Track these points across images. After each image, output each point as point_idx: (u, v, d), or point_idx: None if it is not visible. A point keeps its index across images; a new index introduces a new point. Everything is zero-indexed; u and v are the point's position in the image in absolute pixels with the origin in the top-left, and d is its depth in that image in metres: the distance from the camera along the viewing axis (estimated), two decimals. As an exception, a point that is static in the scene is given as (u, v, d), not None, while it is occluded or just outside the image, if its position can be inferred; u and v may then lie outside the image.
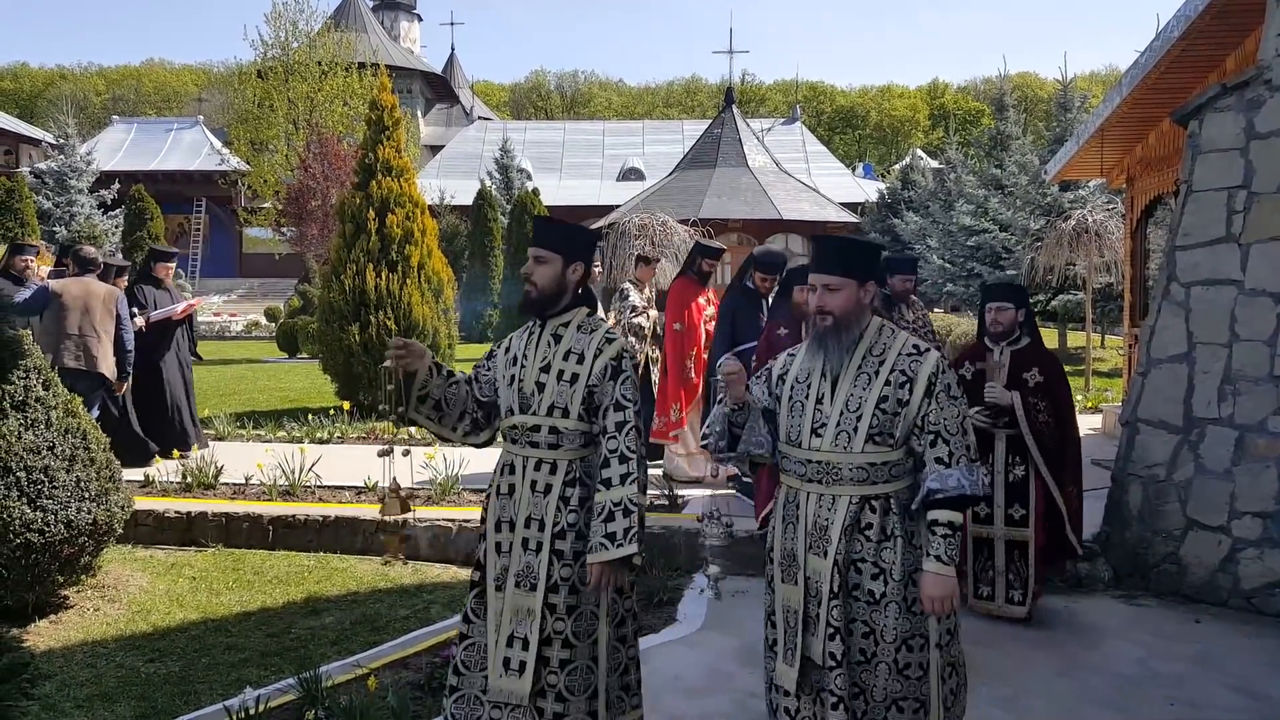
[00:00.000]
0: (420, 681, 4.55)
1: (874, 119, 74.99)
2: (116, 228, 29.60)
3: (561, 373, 3.37)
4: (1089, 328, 17.07)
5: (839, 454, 3.09)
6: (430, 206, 12.98)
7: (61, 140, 31.71)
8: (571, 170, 41.32)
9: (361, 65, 28.61)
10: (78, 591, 5.73)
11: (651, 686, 4.01)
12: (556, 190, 35.76)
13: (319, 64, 27.73)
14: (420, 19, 55.00)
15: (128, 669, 4.81)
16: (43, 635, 5.21)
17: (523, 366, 3.46)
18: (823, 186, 32.78)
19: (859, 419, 3.09)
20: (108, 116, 51.35)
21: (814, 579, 3.11)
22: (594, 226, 27.78)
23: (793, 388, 3.26)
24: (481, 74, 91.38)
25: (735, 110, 29.69)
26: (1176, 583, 5.86)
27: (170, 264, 9.46)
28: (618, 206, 28.77)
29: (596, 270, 7.94)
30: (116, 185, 31.63)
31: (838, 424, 3.11)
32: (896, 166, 38.80)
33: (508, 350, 3.56)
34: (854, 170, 45.85)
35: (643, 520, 3.23)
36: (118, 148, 41.75)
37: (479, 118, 49.23)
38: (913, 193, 29.00)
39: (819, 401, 3.17)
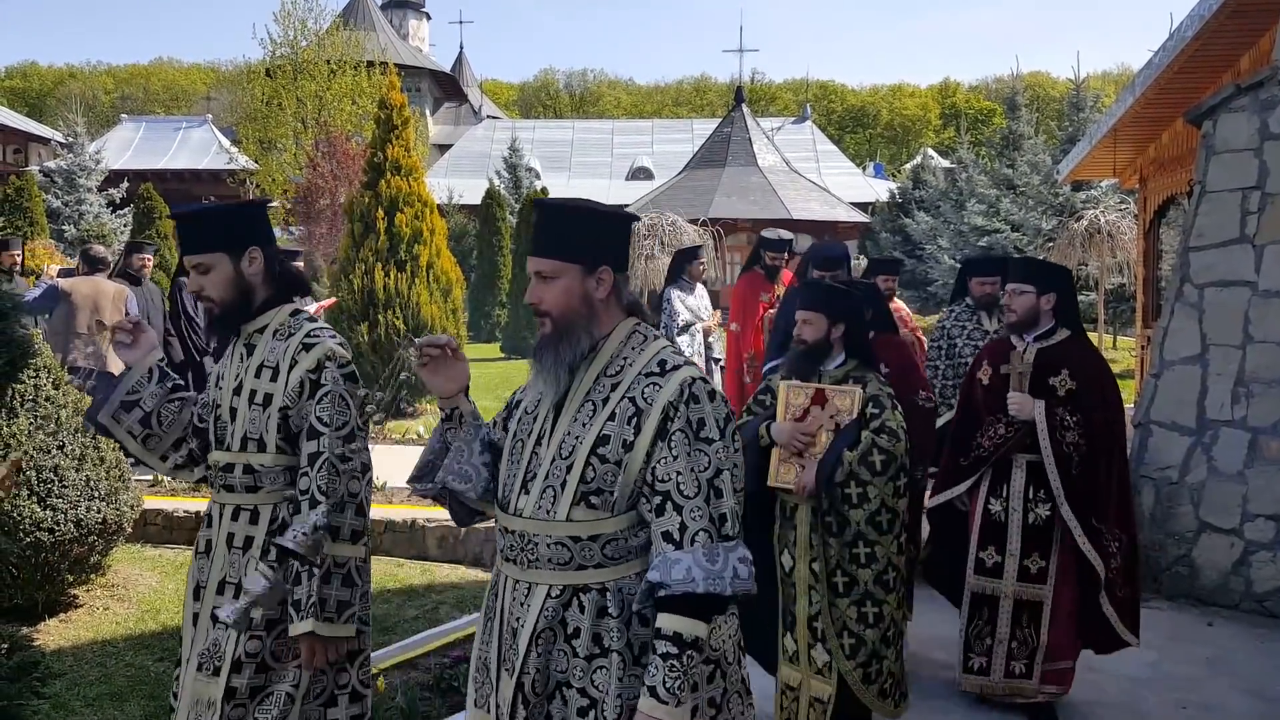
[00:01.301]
0: (429, 682, 4.55)
1: (885, 118, 74.81)
2: (125, 226, 29.63)
3: (254, 394, 2.70)
4: (1101, 329, 17.01)
5: (540, 521, 2.13)
6: (439, 206, 12.98)
7: (70, 139, 31.75)
8: (580, 169, 41.31)
9: (370, 64, 28.64)
10: (87, 590, 5.74)
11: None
12: (565, 189, 35.72)
13: (328, 63, 27.77)
14: (429, 17, 55.04)
15: (137, 668, 4.81)
16: (53, 634, 5.22)
17: (219, 389, 2.80)
18: (833, 186, 32.73)
19: (569, 469, 2.11)
20: (116, 115, 51.47)
21: (503, 708, 2.17)
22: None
23: (519, 422, 2.27)
24: (490, 73, 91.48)
25: (745, 109, 29.67)
26: (1188, 585, 5.82)
27: (297, 264, 9.23)
28: (627, 206, 28.80)
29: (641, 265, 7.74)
30: (125, 184, 31.65)
31: (546, 477, 2.14)
32: (907, 166, 38.73)
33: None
34: (864, 170, 45.74)
35: (354, 580, 2.62)
36: (126, 146, 41.86)
37: (487, 116, 49.25)
38: (924, 192, 28.90)
39: (538, 442, 2.20)
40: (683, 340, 8.22)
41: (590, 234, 2.18)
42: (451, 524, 6.97)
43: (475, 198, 27.57)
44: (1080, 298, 19.66)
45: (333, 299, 11.33)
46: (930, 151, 38.58)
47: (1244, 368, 5.76)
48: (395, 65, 28.01)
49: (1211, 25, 6.65)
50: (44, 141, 40.67)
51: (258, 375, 2.68)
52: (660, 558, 2.03)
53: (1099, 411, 4.03)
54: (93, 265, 8.39)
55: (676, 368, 2.13)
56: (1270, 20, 6.29)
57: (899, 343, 4.72)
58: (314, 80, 27.59)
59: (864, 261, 29.31)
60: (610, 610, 2.09)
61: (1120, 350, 19.68)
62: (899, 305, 6.27)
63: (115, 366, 8.00)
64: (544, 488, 2.14)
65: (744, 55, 73.30)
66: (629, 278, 2.28)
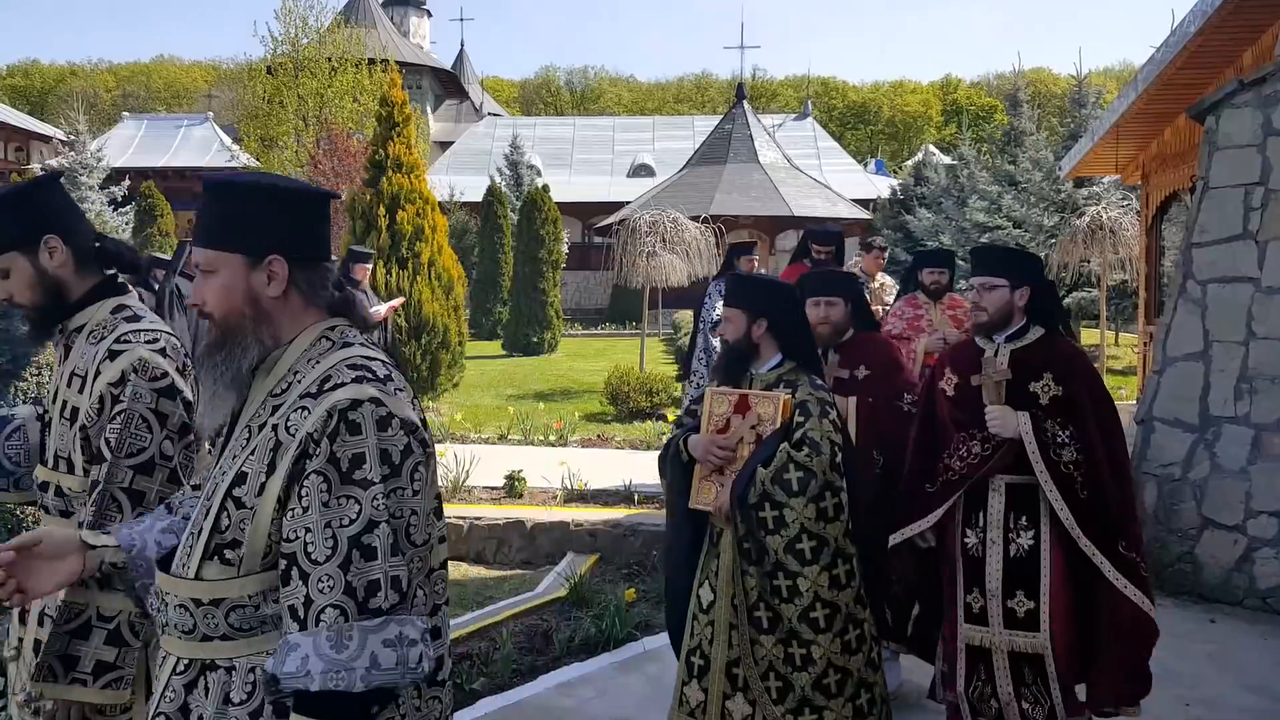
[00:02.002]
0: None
1: (886, 114, 74.69)
2: (127, 224, 29.69)
3: (64, 405, 2.31)
4: (1103, 325, 16.99)
5: (172, 577, 1.74)
6: (440, 203, 12.99)
7: (72, 137, 31.75)
8: (582, 166, 41.27)
9: (371, 61, 28.64)
10: (90, 588, 5.74)
11: None
12: (566, 186, 35.71)
13: (329, 60, 27.77)
14: (430, 15, 54.97)
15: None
16: (55, 631, 5.21)
17: (50, 396, 2.44)
18: (834, 183, 32.70)
19: (206, 514, 1.72)
20: (118, 113, 51.44)
21: None
22: (603, 223, 27.84)
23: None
24: (491, 70, 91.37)
25: (746, 106, 29.66)
26: (1192, 582, 5.82)
27: (368, 265, 9.20)
28: (628, 203, 28.77)
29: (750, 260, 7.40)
30: (127, 182, 31.68)
31: (192, 522, 1.78)
32: (909, 162, 38.64)
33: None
34: (866, 166, 45.66)
35: (123, 639, 2.16)
36: (128, 144, 41.86)
37: (489, 114, 49.21)
38: (925, 189, 28.85)
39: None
40: (717, 339, 8.23)
41: (255, 216, 1.76)
42: (453, 521, 6.98)
43: (477, 195, 27.56)
44: (1083, 294, 19.66)
45: (400, 299, 10.93)
46: (932, 148, 38.50)
47: (1247, 364, 5.75)
48: (396, 62, 28.06)
49: (1214, 21, 6.64)
50: (46, 139, 40.67)
51: (69, 384, 2.29)
52: (281, 642, 1.59)
53: (1094, 419, 3.41)
54: None
55: (338, 386, 1.64)
56: (1273, 16, 6.29)
57: (882, 341, 4.42)
58: (315, 78, 27.59)
59: (861, 258, 29.30)
60: (233, 696, 1.65)
61: (1123, 347, 19.67)
62: (958, 300, 5.75)
63: None
64: (187, 536, 1.76)
65: (745, 52, 73.16)
66: (329, 269, 1.85)
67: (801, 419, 3.25)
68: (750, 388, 3.39)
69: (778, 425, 3.24)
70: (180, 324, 8.68)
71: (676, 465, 3.45)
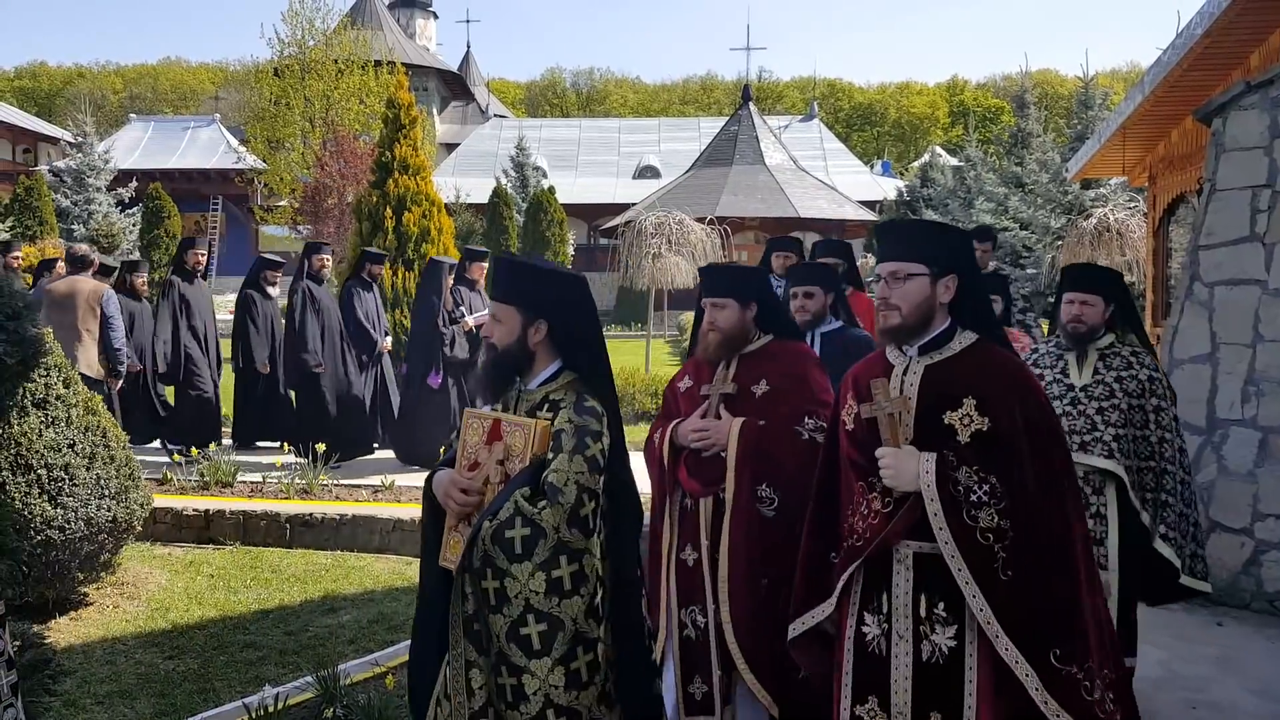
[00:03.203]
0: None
1: (893, 116, 74.66)
2: (134, 226, 29.77)
3: None
4: (1108, 327, 16.96)
5: None
6: (446, 205, 13.00)
7: (79, 138, 31.88)
8: (587, 168, 41.31)
9: (378, 63, 28.66)
10: (97, 589, 5.77)
11: None
12: (572, 188, 35.76)
13: (335, 62, 27.79)
14: (436, 16, 55.05)
15: (147, 666, 4.83)
16: (63, 632, 5.24)
17: None
18: (840, 184, 32.69)
19: None
20: (125, 115, 51.64)
21: None
22: (609, 225, 27.80)
23: None
24: (497, 71, 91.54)
25: (752, 107, 29.69)
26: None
27: (484, 263, 9.18)
28: (634, 204, 28.78)
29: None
30: (134, 183, 31.80)
31: None
32: (915, 164, 38.61)
33: None
34: (872, 168, 45.66)
35: None
36: (135, 146, 41.98)
37: (494, 115, 49.28)
38: (932, 190, 28.82)
39: None
40: None
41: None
42: (460, 523, 6.99)
43: (482, 196, 27.61)
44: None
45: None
46: (938, 149, 38.48)
47: (1254, 366, 5.74)
48: (402, 64, 28.03)
49: (1221, 22, 6.62)
50: (53, 141, 40.82)
51: None
52: None
53: (1032, 467, 2.47)
54: (75, 265, 8.37)
55: None
56: (1280, 17, 6.27)
57: (797, 351, 3.58)
58: (322, 80, 27.61)
59: (871, 260, 29.32)
60: None
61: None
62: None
63: (86, 367, 7.98)
64: None
65: (751, 53, 73.45)
66: None
67: (551, 455, 2.57)
68: (516, 408, 2.74)
69: (527, 462, 2.57)
70: (313, 327, 8.72)
71: (426, 509, 2.79)
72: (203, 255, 9.58)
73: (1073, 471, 2.60)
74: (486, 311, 8.66)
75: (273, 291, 9.53)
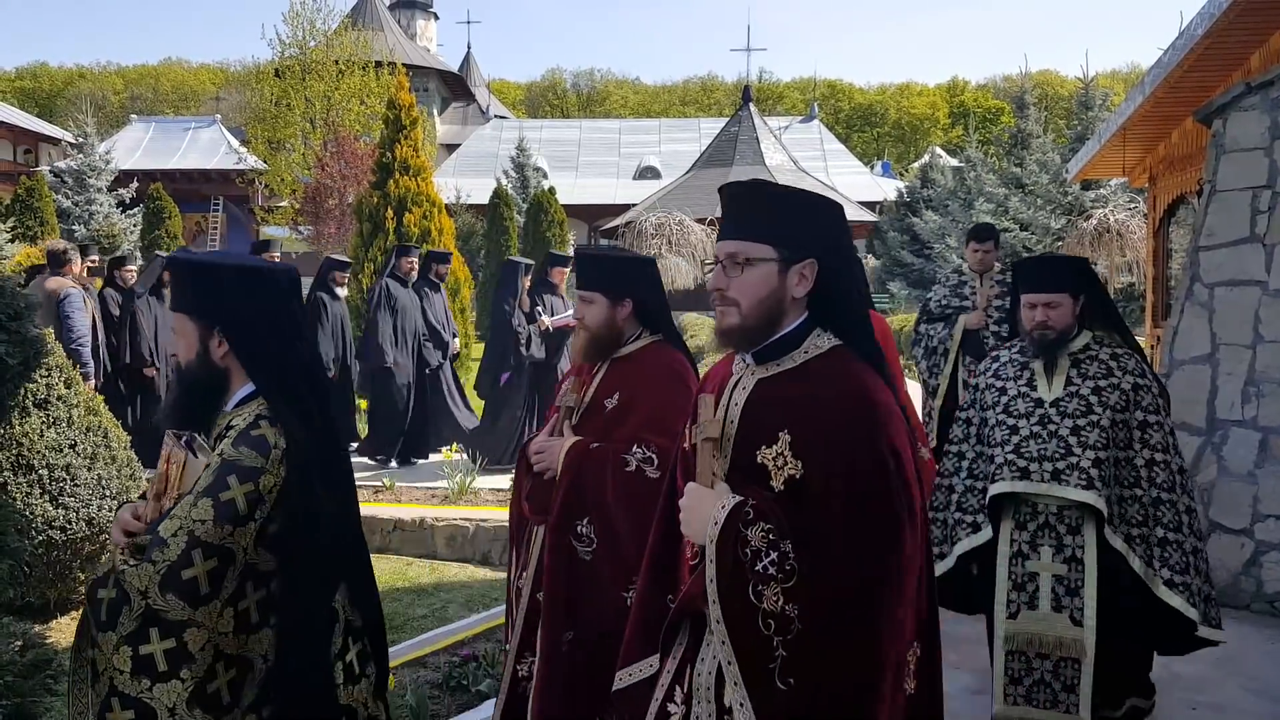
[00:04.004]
0: (438, 680, 4.57)
1: (893, 117, 74.68)
2: (135, 226, 29.78)
3: None
4: (1108, 327, 16.98)
5: None
6: (446, 205, 13.02)
7: (80, 139, 31.88)
8: (588, 169, 41.33)
9: (378, 64, 28.68)
10: (98, 588, 5.76)
11: None
12: (572, 189, 35.77)
13: (336, 63, 27.81)
14: (437, 17, 55.08)
15: (148, 666, 4.83)
16: (64, 632, 5.24)
17: None
18: (841, 185, 32.68)
19: None
20: (126, 115, 51.67)
21: None
22: (609, 226, 27.85)
23: None
24: (498, 72, 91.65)
25: (752, 108, 29.67)
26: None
27: (565, 268, 9.10)
28: (634, 205, 28.78)
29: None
30: (135, 184, 31.80)
31: None
32: (915, 165, 38.63)
33: None
34: (872, 169, 45.68)
35: None
36: (136, 147, 42.00)
37: (495, 116, 49.30)
38: (932, 191, 28.84)
39: None
40: None
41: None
42: (460, 523, 7.00)
43: (483, 197, 27.61)
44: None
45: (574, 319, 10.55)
46: (938, 150, 38.50)
47: (1254, 367, 5.74)
48: (403, 65, 28.03)
49: (1221, 23, 6.62)
50: (54, 142, 40.83)
51: None
52: None
53: (844, 535, 1.82)
54: (52, 263, 8.18)
55: None
56: (1281, 18, 6.28)
57: (663, 359, 3.02)
58: (322, 80, 27.62)
59: (871, 261, 29.34)
60: None
61: (1129, 350, 19.67)
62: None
63: None
64: None
65: (751, 54, 73.42)
66: None
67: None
68: (205, 436, 2.35)
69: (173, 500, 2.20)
70: (386, 326, 8.70)
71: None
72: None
73: (906, 568, 1.86)
74: (570, 313, 8.51)
75: (341, 293, 9.42)
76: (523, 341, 8.40)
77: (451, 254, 10.21)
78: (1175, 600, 3.33)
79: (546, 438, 2.93)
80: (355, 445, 9.17)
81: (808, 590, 1.80)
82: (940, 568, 3.52)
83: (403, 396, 8.77)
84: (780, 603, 1.80)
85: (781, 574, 1.81)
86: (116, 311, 8.84)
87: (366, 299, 9.24)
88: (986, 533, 3.52)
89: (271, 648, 2.19)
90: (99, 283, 9.27)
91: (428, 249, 10.17)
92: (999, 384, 3.64)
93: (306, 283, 9.14)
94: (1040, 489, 3.37)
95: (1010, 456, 3.45)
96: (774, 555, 1.82)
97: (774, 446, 1.92)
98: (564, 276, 9.00)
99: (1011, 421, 3.49)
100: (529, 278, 8.76)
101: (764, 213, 2.02)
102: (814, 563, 1.81)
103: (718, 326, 2.07)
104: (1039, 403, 3.48)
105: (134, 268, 9.66)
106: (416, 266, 9.11)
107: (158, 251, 11.03)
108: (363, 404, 9.71)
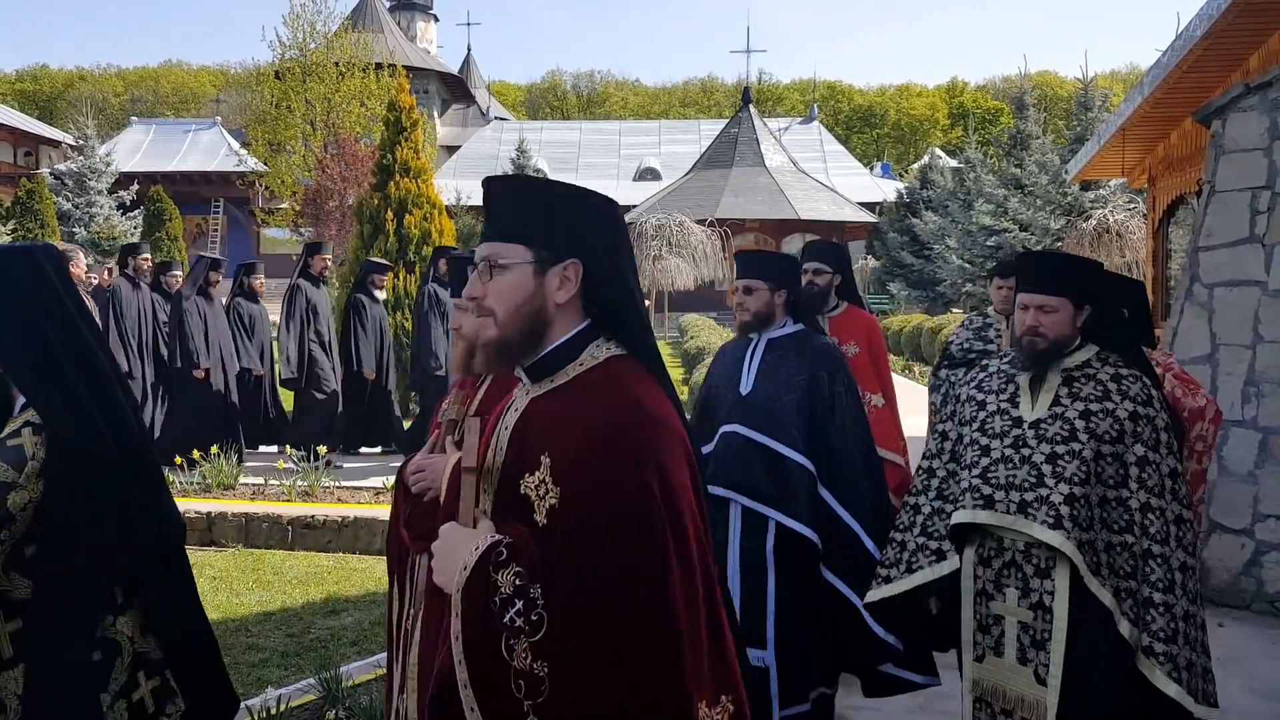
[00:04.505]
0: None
1: (892, 118, 74.70)
2: (135, 228, 29.82)
3: None
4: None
5: None
6: (447, 207, 13.03)
7: (81, 141, 31.94)
8: (588, 170, 41.35)
9: (379, 66, 28.71)
10: (100, 591, 5.76)
11: None
12: (573, 190, 35.75)
13: (336, 65, 27.84)
14: (437, 19, 55.13)
15: (150, 668, 4.84)
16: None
17: None
18: (840, 186, 32.71)
19: None
20: (126, 117, 51.75)
21: None
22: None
23: None
24: (498, 74, 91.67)
25: (752, 110, 29.71)
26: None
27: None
28: (634, 206, 28.80)
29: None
30: (135, 186, 31.85)
31: None
32: (915, 166, 38.64)
33: None
34: (872, 170, 45.71)
35: None
36: (136, 149, 42.05)
37: (495, 118, 49.35)
38: (931, 192, 28.85)
39: None
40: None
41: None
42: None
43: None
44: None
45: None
46: (938, 151, 38.52)
47: (1254, 367, 5.75)
48: (403, 67, 28.04)
49: (1220, 24, 6.64)
50: (55, 144, 40.87)
51: None
52: None
53: (610, 575, 1.57)
54: None
55: None
56: (1279, 19, 6.28)
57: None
58: (323, 82, 27.65)
59: (870, 262, 29.35)
60: None
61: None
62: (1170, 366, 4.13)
63: None
64: None
65: (751, 56, 73.51)
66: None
67: None
68: None
69: None
70: (437, 330, 8.69)
71: None
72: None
73: (679, 610, 1.58)
74: None
75: (380, 295, 9.41)
76: None
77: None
78: (1159, 679, 2.75)
79: (426, 456, 2.50)
80: (394, 446, 9.22)
81: (557, 644, 1.53)
82: (884, 591, 3.16)
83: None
84: (529, 659, 1.54)
85: (529, 625, 1.55)
86: (132, 311, 8.96)
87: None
88: (953, 562, 3.06)
89: (24, 687, 1.94)
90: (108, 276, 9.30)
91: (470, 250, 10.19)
92: (980, 397, 3.13)
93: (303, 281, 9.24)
94: (1005, 521, 2.88)
95: (976, 481, 2.96)
96: (520, 603, 1.56)
97: (536, 473, 1.67)
98: None
99: (985, 441, 3.00)
100: None
101: (518, 210, 1.81)
102: (564, 610, 1.54)
103: (477, 342, 1.82)
104: (1017, 422, 2.98)
105: (147, 255, 9.65)
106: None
107: (201, 252, 11.03)
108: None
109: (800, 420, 3.52)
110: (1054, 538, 2.78)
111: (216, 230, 40.76)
